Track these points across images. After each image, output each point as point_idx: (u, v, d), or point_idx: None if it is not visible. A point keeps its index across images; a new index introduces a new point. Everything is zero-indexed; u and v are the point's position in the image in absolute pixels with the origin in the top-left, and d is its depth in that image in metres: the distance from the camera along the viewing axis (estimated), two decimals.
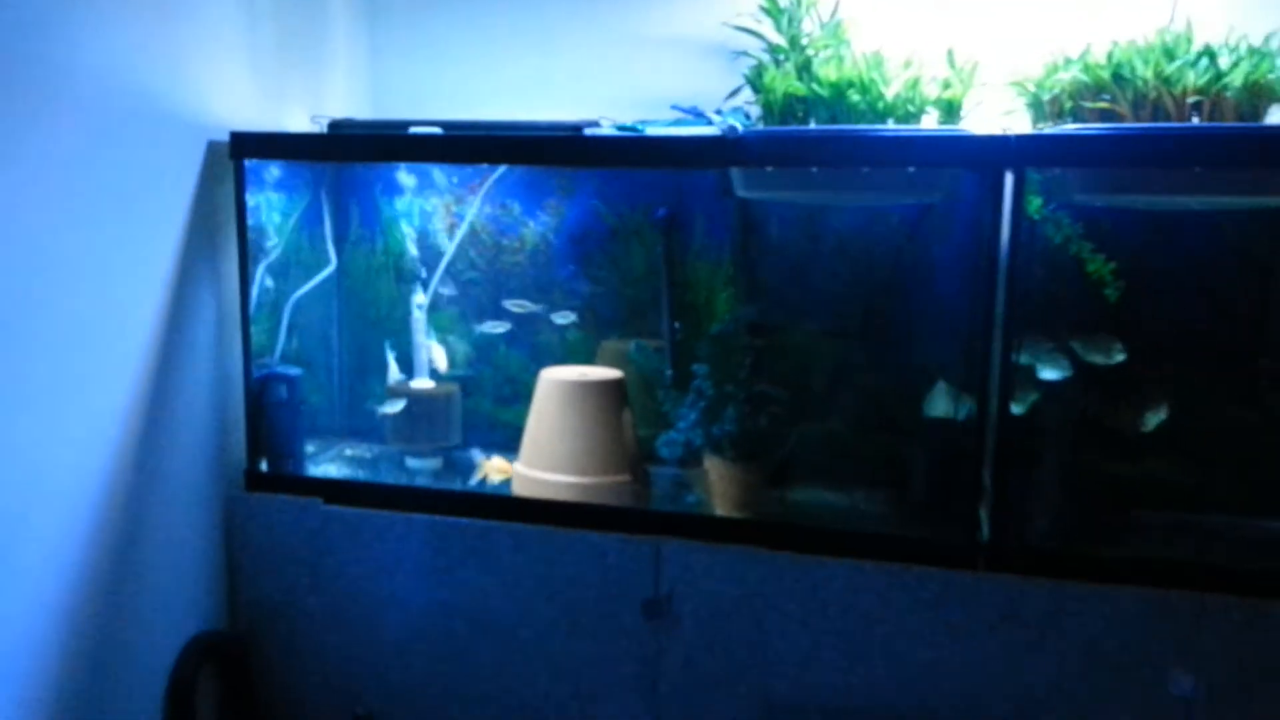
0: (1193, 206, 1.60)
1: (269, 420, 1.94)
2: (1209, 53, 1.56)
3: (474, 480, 2.01)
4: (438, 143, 1.79)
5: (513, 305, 2.09)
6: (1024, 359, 1.63)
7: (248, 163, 1.84)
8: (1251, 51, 1.57)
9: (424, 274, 2.10)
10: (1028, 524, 1.66)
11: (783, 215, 1.95)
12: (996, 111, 1.78)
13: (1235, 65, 1.55)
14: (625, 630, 1.75)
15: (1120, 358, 1.66)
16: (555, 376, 1.91)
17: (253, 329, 1.90)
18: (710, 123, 1.80)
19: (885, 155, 1.58)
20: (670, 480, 1.95)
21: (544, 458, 1.90)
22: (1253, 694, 1.51)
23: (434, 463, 2.08)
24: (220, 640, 1.89)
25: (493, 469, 2.02)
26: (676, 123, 1.87)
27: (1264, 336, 1.73)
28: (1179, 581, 1.52)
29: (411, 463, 2.08)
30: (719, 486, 1.82)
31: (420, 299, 2.08)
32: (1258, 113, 1.56)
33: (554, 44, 2.14)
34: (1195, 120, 1.57)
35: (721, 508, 1.83)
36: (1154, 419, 1.58)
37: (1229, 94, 1.56)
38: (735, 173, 1.75)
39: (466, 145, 1.77)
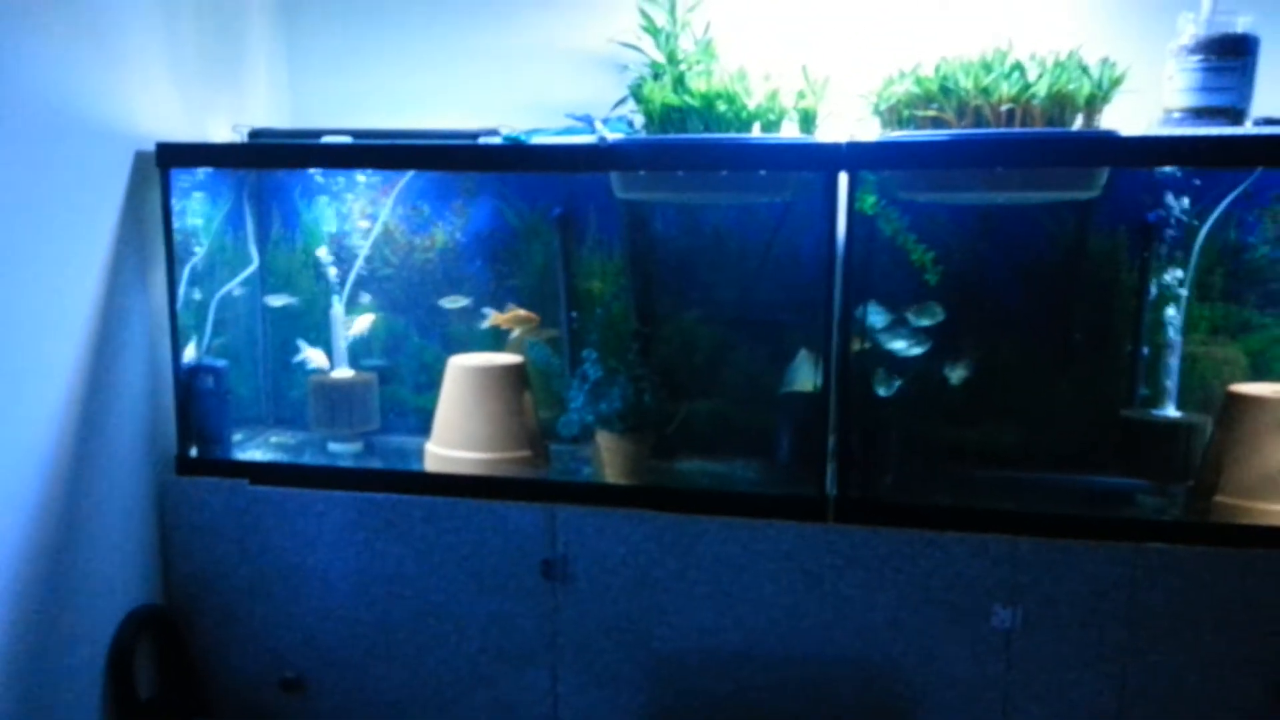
0: (999, 201, 1.84)
1: (197, 409, 2.10)
2: (1019, 66, 1.79)
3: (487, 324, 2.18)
4: (347, 150, 1.97)
5: (447, 302, 2.27)
6: (870, 334, 1.87)
7: (173, 171, 2.00)
8: (1056, 65, 1.80)
9: (340, 272, 2.27)
10: (870, 479, 1.89)
11: (664, 213, 2.16)
12: (850, 120, 2.01)
13: (1040, 77, 1.79)
14: (527, 590, 1.95)
15: (942, 316, 1.89)
16: (462, 363, 2.10)
17: (181, 325, 2.05)
18: (594, 131, 2.00)
19: (734, 160, 1.81)
20: (569, 455, 2.16)
21: (453, 437, 2.09)
22: (1060, 622, 1.75)
23: (355, 446, 2.26)
24: (156, 613, 2.06)
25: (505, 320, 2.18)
26: (566, 130, 2.07)
27: (1066, 313, 1.98)
28: (997, 527, 1.75)
29: (334, 447, 2.26)
30: (608, 458, 2.03)
31: (337, 299, 2.26)
32: (1064, 119, 1.80)
33: (462, 56, 2.32)
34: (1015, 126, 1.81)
35: (611, 477, 2.03)
36: (957, 375, 1.85)
37: (1036, 102, 1.79)
38: (613, 176, 1.95)
39: (372, 152, 1.95)
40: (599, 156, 1.83)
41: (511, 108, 2.22)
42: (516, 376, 2.10)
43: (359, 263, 2.25)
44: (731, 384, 2.13)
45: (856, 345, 1.86)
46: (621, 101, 2.11)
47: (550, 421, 2.14)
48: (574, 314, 2.19)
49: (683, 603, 1.89)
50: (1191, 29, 1.71)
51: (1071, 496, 1.95)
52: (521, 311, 2.17)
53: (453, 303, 2.24)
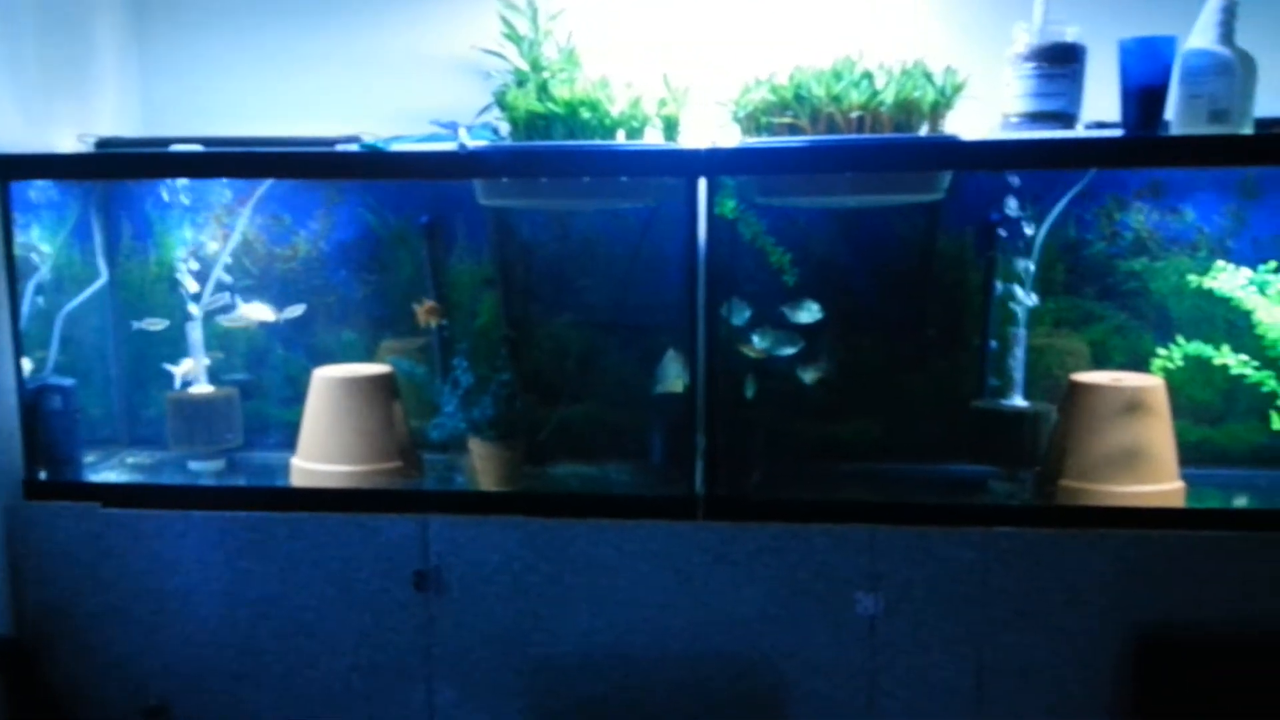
0: (851, 205, 1.92)
1: (45, 430, 2.00)
2: (868, 75, 1.86)
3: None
4: (196, 159, 1.91)
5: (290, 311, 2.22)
6: (735, 334, 1.91)
7: (13, 184, 1.91)
8: (903, 73, 1.88)
9: (195, 285, 2.19)
10: (736, 477, 1.93)
11: (532, 220, 2.16)
12: (712, 127, 2.05)
13: (888, 85, 1.86)
14: (399, 603, 1.92)
15: (820, 314, 1.96)
16: (327, 375, 2.06)
17: (27, 343, 1.95)
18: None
19: (596, 167, 1.83)
20: (443, 464, 2.13)
21: (320, 451, 2.04)
22: (919, 606, 1.82)
23: (217, 465, 2.19)
24: (7, 645, 1.95)
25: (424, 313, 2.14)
26: (430, 137, 2.05)
27: (920, 311, 2.07)
28: (858, 518, 1.81)
29: (194, 465, 2.18)
30: (481, 465, 2.01)
31: (194, 309, 2.18)
32: (911, 125, 1.87)
33: (325, 63, 2.27)
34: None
35: (485, 485, 2.02)
36: (809, 375, 1.92)
37: (885, 109, 1.86)
38: (476, 183, 1.95)
39: (223, 161, 1.90)
40: (460, 164, 1.82)
41: (377, 115, 2.18)
42: (385, 386, 2.07)
43: (214, 275, 2.18)
44: (603, 387, 2.15)
45: (743, 349, 1.90)
46: (486, 109, 2.11)
47: (422, 431, 2.12)
48: (445, 321, 2.18)
49: (558, 607, 1.89)
50: (1026, 38, 1.81)
51: (928, 485, 2.03)
52: (428, 303, 2.14)
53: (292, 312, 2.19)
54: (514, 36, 2.07)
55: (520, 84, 2.07)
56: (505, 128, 2.06)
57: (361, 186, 2.19)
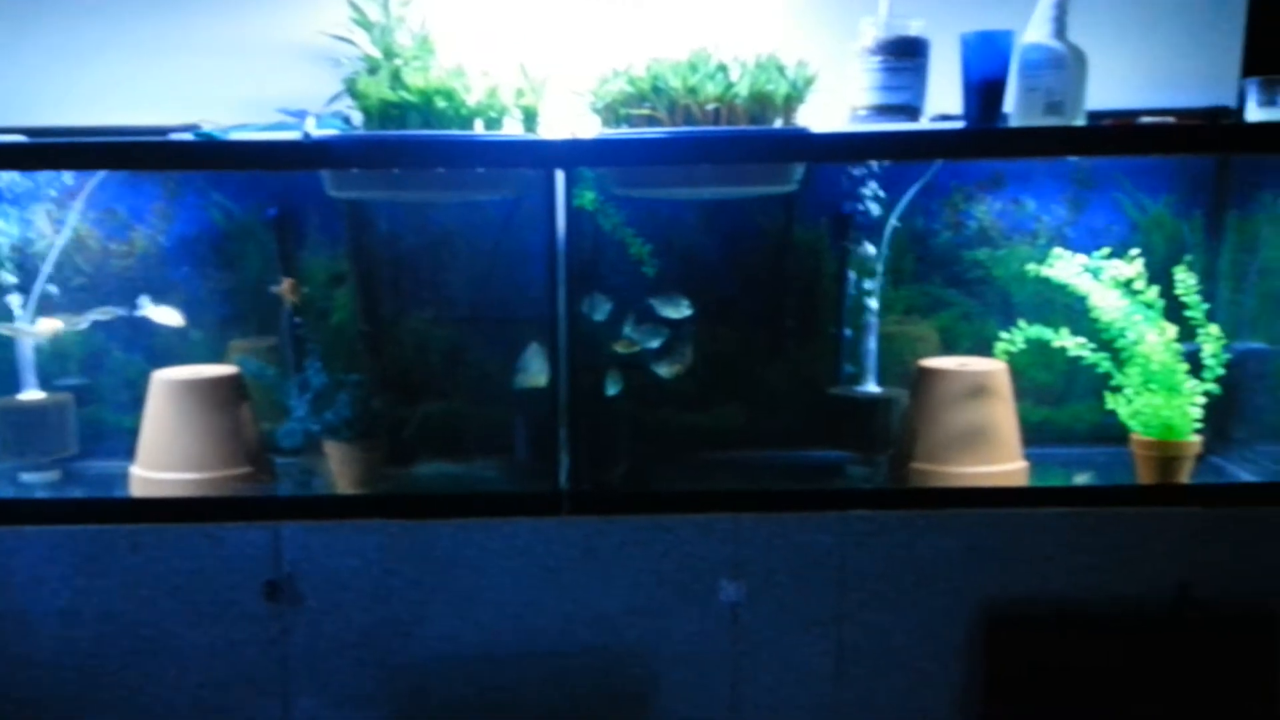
0: (707, 196, 1.93)
1: None
2: (722, 67, 1.87)
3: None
4: (15, 150, 1.77)
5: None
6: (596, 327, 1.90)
7: None
8: (756, 66, 1.90)
9: (14, 281, 2.05)
10: (600, 470, 1.92)
11: (389, 212, 2.10)
12: (573, 118, 2.02)
13: (742, 78, 1.88)
14: (250, 615, 1.84)
15: (689, 312, 1.95)
16: (167, 377, 1.95)
17: None
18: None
19: (448, 157, 1.78)
20: (297, 468, 2.04)
21: (162, 458, 1.92)
22: (780, 591, 1.85)
23: (51, 475, 2.04)
24: None
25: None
26: (276, 126, 1.97)
27: (778, 300, 2.10)
28: (721, 507, 1.83)
29: (27, 477, 2.03)
30: (338, 469, 1.94)
31: (18, 309, 2.03)
32: (765, 117, 1.89)
33: (162, 49, 2.13)
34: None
35: (343, 488, 1.95)
36: (666, 369, 1.92)
37: (739, 102, 1.88)
38: (325, 174, 1.87)
39: (46, 152, 1.76)
40: (304, 153, 1.75)
41: (223, 103, 2.06)
42: (231, 388, 1.97)
43: (44, 272, 2.04)
44: (467, 383, 2.10)
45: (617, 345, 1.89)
46: (336, 97, 2.03)
47: (274, 434, 2.02)
48: (297, 319, 2.09)
49: (420, 611, 1.85)
50: (872, 32, 1.85)
51: (789, 472, 2.06)
52: (288, 281, 2.04)
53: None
54: (364, 22, 2.00)
55: (372, 72, 2.00)
56: (358, 117, 2.01)
57: (204, 178, 2.08)
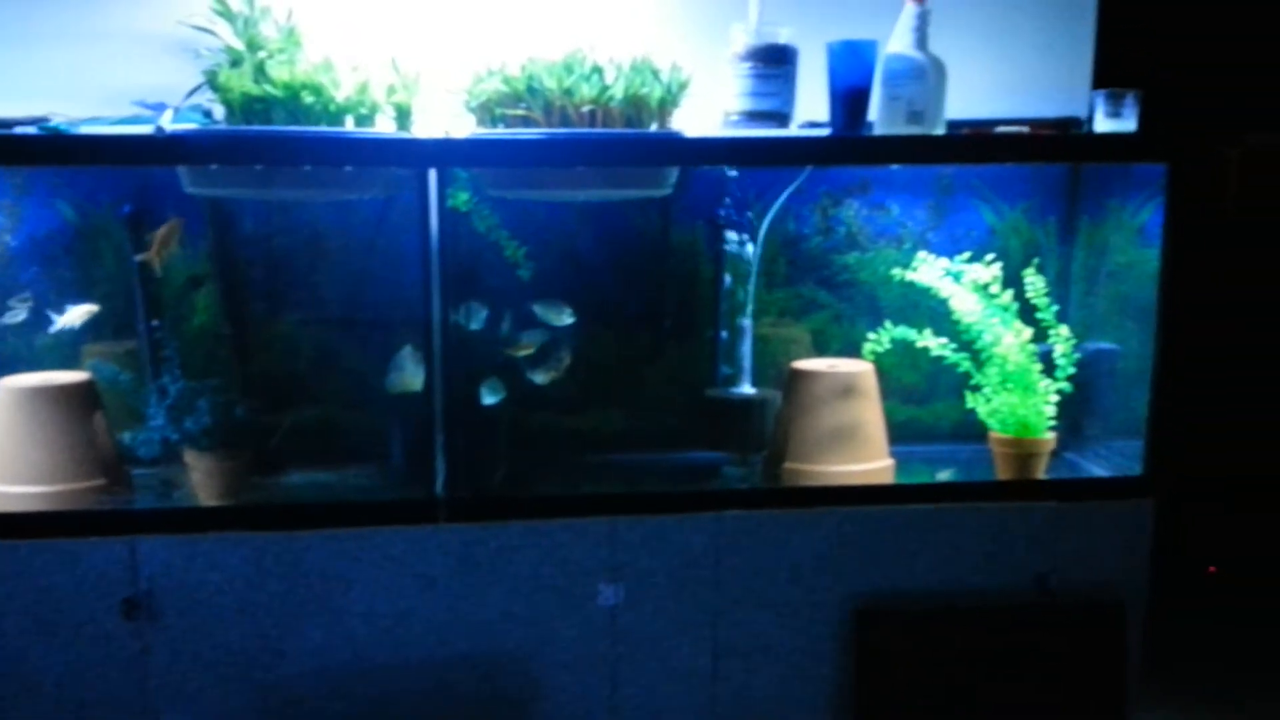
0: (581, 199, 1.93)
1: None
2: (597, 69, 1.87)
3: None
4: None
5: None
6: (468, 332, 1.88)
7: None
8: (631, 68, 1.90)
9: None
10: (478, 476, 1.90)
11: (255, 211, 2.02)
12: (448, 116, 1.99)
13: (617, 80, 1.88)
14: (106, 634, 1.75)
15: (570, 320, 1.95)
16: (13, 385, 1.84)
17: None
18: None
19: (312, 155, 1.72)
20: (157, 479, 1.96)
21: (10, 471, 1.81)
22: (658, 593, 1.86)
23: None
24: None
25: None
26: (131, 119, 1.87)
27: (656, 303, 2.11)
28: (598, 510, 1.83)
29: None
30: (200, 479, 1.87)
31: None
32: (641, 120, 1.90)
33: (6, 37, 2.00)
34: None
35: (206, 499, 1.88)
36: (541, 375, 1.92)
37: (615, 104, 1.88)
38: (182, 171, 1.79)
39: None
40: (158, 149, 1.67)
41: (75, 95, 1.95)
42: (83, 395, 1.87)
43: None
44: (339, 389, 2.04)
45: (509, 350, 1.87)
46: (196, 90, 1.94)
47: (132, 443, 1.93)
48: (156, 322, 2.00)
49: (290, 626, 1.79)
50: (743, 38, 1.87)
51: (667, 474, 2.08)
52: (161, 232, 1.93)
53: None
54: (226, 13, 1.92)
55: (235, 64, 1.93)
56: (220, 111, 1.92)
57: (54, 174, 1.97)
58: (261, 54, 1.89)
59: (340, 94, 1.88)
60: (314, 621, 1.79)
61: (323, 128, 1.77)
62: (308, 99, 1.86)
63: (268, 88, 1.83)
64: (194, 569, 1.75)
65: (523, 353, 1.94)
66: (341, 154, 1.73)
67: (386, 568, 1.79)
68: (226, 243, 2.02)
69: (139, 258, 1.94)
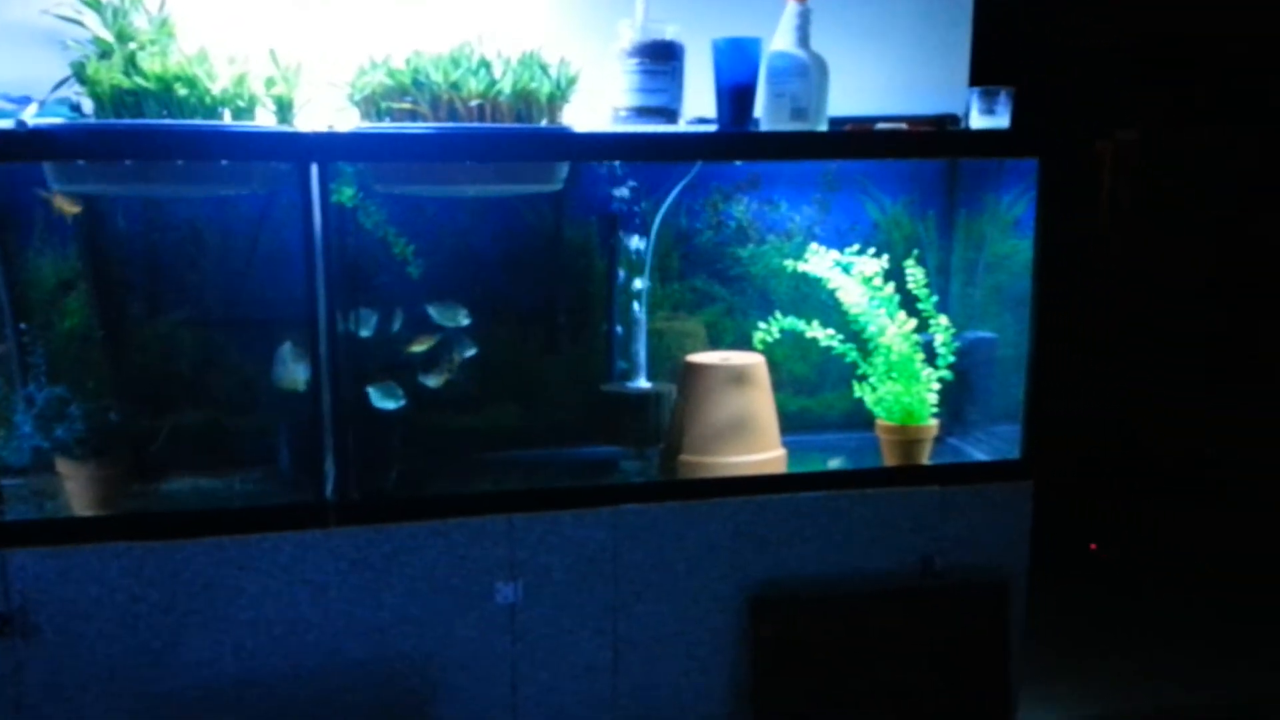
0: (470, 194, 1.91)
1: None
2: (485, 63, 1.85)
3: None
4: None
5: None
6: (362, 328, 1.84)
7: None
8: (520, 63, 1.88)
9: None
10: (369, 478, 1.86)
11: (128, 208, 1.94)
12: (332, 110, 1.94)
13: (505, 74, 1.86)
14: None
15: (466, 321, 1.94)
16: None
17: None
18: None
19: (184, 148, 1.67)
20: (29, 490, 1.86)
21: None
22: (557, 589, 1.86)
23: None
24: None
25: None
26: None
27: (550, 299, 2.11)
28: (495, 508, 1.82)
29: None
30: (74, 489, 1.79)
31: None
32: (531, 115, 1.88)
33: None
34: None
35: (81, 509, 1.80)
36: (434, 380, 1.91)
37: (504, 99, 1.86)
38: (48, 167, 1.71)
39: None
40: (19, 143, 1.59)
41: None
42: None
43: None
44: (222, 391, 1.97)
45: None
46: (63, 83, 1.85)
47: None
48: (23, 325, 1.90)
49: (174, 637, 1.73)
50: (630, 34, 1.88)
51: (565, 470, 2.08)
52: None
53: None
54: (94, 3, 1.83)
55: (104, 56, 1.85)
56: (90, 104, 1.84)
57: None
58: (132, 45, 1.82)
59: (216, 86, 1.81)
60: (200, 633, 1.73)
61: (196, 121, 1.72)
62: (181, 91, 1.79)
63: (139, 80, 1.76)
64: (70, 582, 1.68)
65: (417, 348, 1.91)
66: (217, 148, 1.67)
67: (275, 575, 1.74)
68: (98, 242, 1.93)
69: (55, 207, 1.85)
